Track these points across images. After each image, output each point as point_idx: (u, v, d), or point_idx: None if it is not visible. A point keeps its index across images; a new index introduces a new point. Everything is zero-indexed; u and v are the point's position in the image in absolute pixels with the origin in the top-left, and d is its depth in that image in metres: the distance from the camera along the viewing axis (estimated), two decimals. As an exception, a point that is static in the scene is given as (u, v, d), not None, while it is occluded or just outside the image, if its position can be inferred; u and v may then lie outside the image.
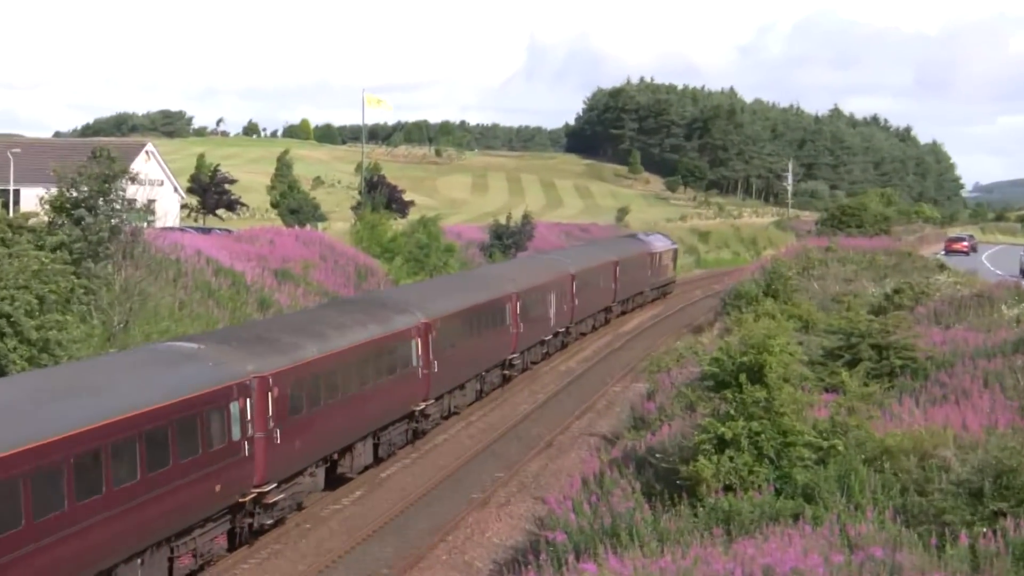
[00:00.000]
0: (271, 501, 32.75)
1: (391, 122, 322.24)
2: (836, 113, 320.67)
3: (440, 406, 47.10)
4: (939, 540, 20.55)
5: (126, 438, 25.82)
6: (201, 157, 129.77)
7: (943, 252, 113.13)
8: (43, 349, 39.10)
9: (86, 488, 24.46)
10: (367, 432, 39.82)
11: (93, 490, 24.68)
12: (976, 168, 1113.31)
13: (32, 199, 60.67)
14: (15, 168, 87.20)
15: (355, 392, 37.69)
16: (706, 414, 26.47)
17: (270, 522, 33.39)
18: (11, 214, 52.23)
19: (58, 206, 49.67)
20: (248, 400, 30.94)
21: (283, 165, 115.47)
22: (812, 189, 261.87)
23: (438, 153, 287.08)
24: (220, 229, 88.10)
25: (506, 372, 56.84)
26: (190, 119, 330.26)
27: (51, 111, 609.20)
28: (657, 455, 27.61)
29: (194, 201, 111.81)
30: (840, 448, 24.92)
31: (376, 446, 41.11)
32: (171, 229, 73.06)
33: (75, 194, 49.49)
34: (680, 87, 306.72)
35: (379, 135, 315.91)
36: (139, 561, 27.10)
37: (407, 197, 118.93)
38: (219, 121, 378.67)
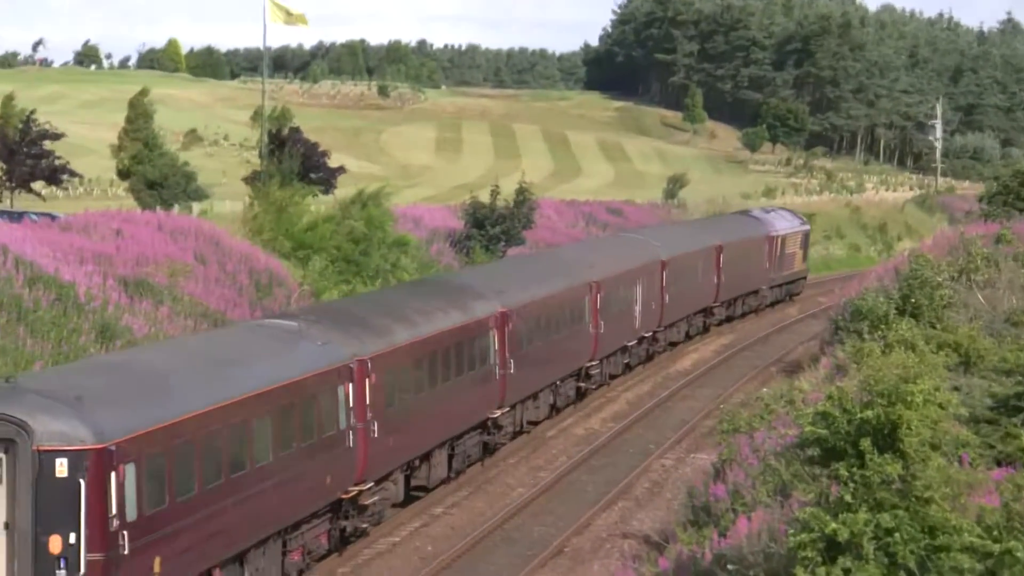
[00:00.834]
0: (366, 502, 32.02)
1: (309, 44, 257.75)
2: (1011, 27, 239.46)
3: (513, 417, 43.21)
4: None
5: (268, 410, 26.58)
6: (7, 100, 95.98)
7: None
8: None
9: (238, 462, 25.46)
10: (445, 438, 37.93)
11: (239, 465, 25.52)
12: None
13: None
14: None
15: (440, 387, 36.54)
16: (808, 501, 21.70)
17: (364, 526, 32.34)
18: None
19: None
20: (351, 385, 30.74)
21: (138, 112, 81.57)
22: (974, 146, 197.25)
23: (383, 92, 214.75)
24: (37, 213, 68.33)
25: (581, 384, 50.31)
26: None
27: None
28: (730, 567, 22.53)
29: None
30: (1020, 555, 19.71)
31: (451, 457, 38.88)
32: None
33: None
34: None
35: (290, 65, 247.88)
36: (261, 551, 26.90)
37: (334, 162, 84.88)
38: (37, 44, 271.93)
